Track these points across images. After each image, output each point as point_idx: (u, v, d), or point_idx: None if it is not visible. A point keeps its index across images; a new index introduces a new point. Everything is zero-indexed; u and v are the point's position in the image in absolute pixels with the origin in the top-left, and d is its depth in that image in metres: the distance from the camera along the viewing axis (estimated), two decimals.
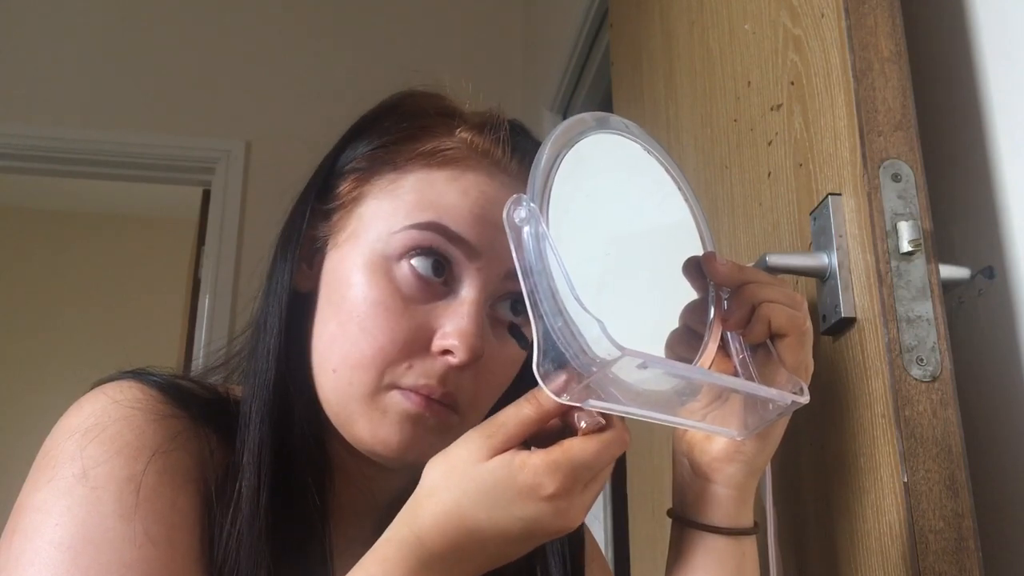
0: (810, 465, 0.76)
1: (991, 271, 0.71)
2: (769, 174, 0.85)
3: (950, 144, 0.77)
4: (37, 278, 4.26)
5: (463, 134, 0.62)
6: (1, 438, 3.69)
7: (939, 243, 0.69)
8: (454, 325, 0.57)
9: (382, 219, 0.60)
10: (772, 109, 0.85)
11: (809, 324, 0.60)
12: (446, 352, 0.57)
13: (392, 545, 0.48)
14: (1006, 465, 0.68)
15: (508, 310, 0.61)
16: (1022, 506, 0.67)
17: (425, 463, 0.56)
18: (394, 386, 0.57)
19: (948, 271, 0.69)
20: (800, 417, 0.77)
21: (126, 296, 4.24)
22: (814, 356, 0.75)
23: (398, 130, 0.63)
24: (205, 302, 2.44)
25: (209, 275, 2.46)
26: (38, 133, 2.52)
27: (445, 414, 0.58)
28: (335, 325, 0.59)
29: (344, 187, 0.63)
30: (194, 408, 0.59)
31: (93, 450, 0.53)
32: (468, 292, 0.58)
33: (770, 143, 0.85)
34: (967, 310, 0.73)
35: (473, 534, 0.48)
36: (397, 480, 0.65)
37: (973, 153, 0.75)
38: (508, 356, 0.61)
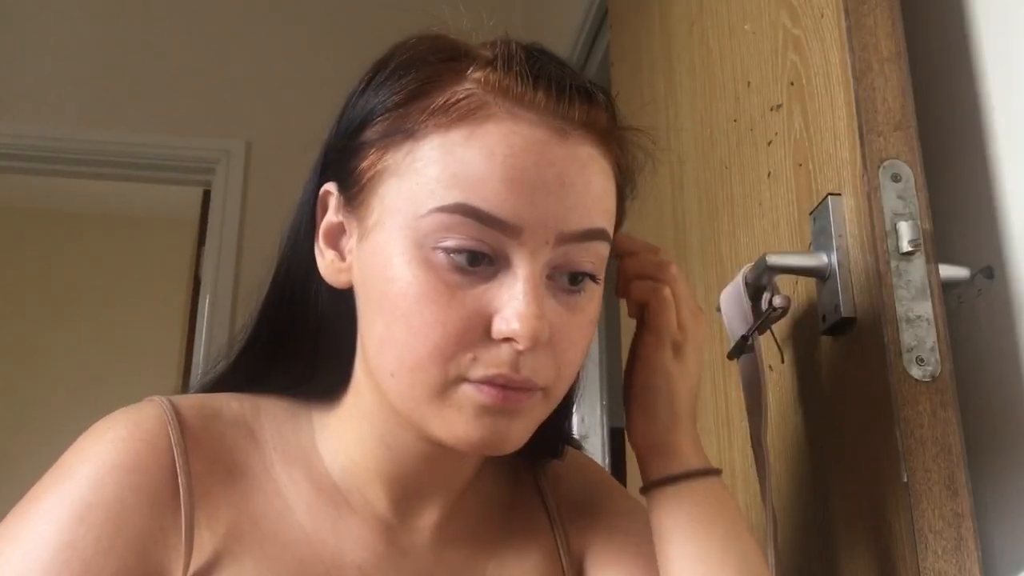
0: (809, 465, 0.76)
1: (991, 271, 0.71)
2: (769, 174, 0.85)
3: (950, 144, 0.77)
4: (37, 278, 4.26)
5: (475, 75, 0.55)
6: (1, 437, 3.70)
7: (939, 243, 0.69)
8: (512, 309, 0.52)
9: (406, 200, 0.53)
10: (772, 109, 0.85)
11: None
12: (508, 339, 0.52)
13: None
14: (1006, 465, 0.68)
15: (567, 281, 0.55)
16: (1022, 506, 0.67)
17: (516, 448, 0.55)
18: (462, 379, 0.53)
19: (948, 271, 0.69)
20: (800, 417, 0.77)
21: (126, 296, 4.24)
22: (814, 356, 0.75)
23: (402, 88, 0.56)
24: (205, 302, 2.43)
25: (209, 275, 2.46)
26: (38, 133, 2.52)
27: (523, 398, 0.54)
28: (382, 326, 0.54)
29: (362, 165, 0.56)
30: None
31: (54, 500, 0.53)
32: (519, 269, 0.52)
33: (770, 143, 0.85)
34: (967, 310, 0.73)
35: None
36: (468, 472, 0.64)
37: (973, 153, 0.75)
38: (582, 320, 0.56)
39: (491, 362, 0.52)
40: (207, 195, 2.62)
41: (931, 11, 0.81)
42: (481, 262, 0.52)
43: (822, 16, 0.75)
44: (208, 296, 2.43)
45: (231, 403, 0.62)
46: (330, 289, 0.60)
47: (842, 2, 0.71)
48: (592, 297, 0.57)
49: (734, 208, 0.94)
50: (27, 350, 4.10)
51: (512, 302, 0.52)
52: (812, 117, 0.77)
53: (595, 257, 0.56)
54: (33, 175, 2.80)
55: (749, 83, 0.91)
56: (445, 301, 0.52)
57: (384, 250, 0.54)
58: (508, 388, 0.53)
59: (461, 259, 0.52)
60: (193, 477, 0.56)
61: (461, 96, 0.54)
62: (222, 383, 0.65)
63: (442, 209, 0.52)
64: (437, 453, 0.59)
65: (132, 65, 2.63)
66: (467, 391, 0.53)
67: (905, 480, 0.61)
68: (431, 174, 0.53)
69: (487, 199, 0.51)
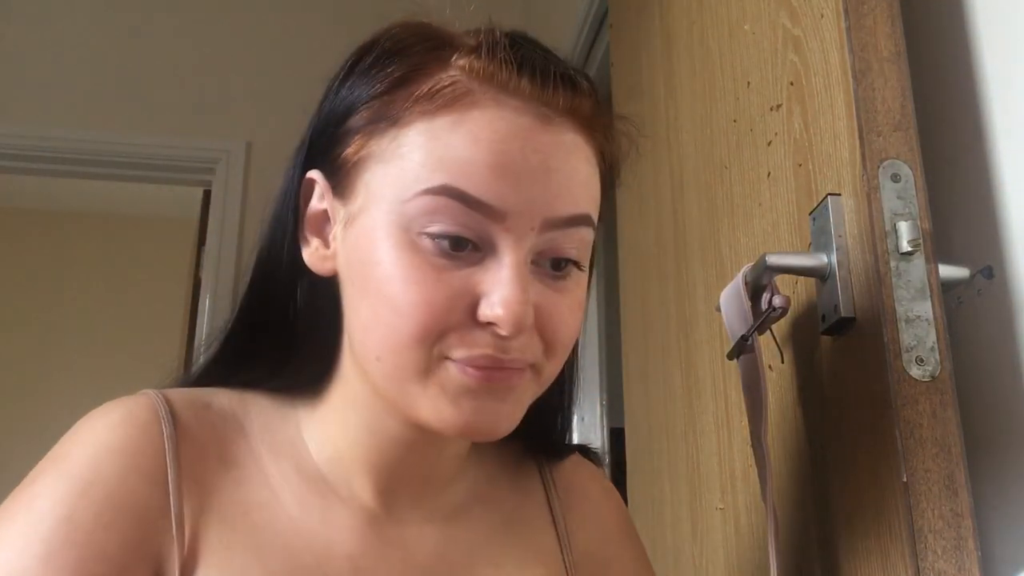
0: (810, 465, 0.76)
1: (990, 271, 0.71)
2: (769, 174, 0.85)
3: (950, 144, 0.77)
4: (37, 278, 4.26)
5: (460, 62, 0.55)
6: (1, 437, 3.70)
7: (938, 243, 0.69)
8: (497, 294, 0.52)
9: (390, 186, 0.53)
10: (772, 109, 0.85)
11: None
12: (492, 323, 0.52)
13: None
14: (1006, 465, 0.68)
15: (550, 267, 0.56)
16: (1022, 506, 0.67)
17: (507, 432, 0.55)
18: (445, 357, 0.53)
19: (947, 271, 0.69)
20: (800, 417, 0.77)
21: (126, 297, 4.24)
22: (814, 356, 0.75)
23: (386, 76, 0.56)
24: (205, 302, 2.44)
25: (209, 275, 2.46)
26: (38, 133, 2.52)
27: (512, 376, 0.54)
28: (368, 310, 0.54)
29: (346, 152, 0.56)
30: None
31: (51, 479, 0.54)
32: (504, 255, 0.53)
33: (770, 143, 0.85)
34: (966, 310, 0.73)
35: None
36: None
37: (973, 153, 0.75)
38: (570, 302, 0.56)
39: (475, 343, 0.52)
40: (207, 195, 2.63)
41: (931, 11, 0.81)
42: (466, 247, 0.53)
43: (822, 16, 0.75)
44: (208, 296, 2.43)
45: (220, 396, 0.63)
46: (313, 279, 0.60)
47: (842, 2, 0.71)
48: (578, 283, 0.57)
49: (734, 208, 0.94)
50: (27, 350, 4.10)
51: (497, 287, 0.52)
52: (812, 117, 0.77)
53: (579, 243, 0.56)
54: (33, 175, 2.80)
55: (749, 83, 0.91)
56: (431, 282, 0.52)
57: (370, 234, 0.54)
58: (494, 368, 0.53)
59: (446, 244, 0.52)
60: (183, 465, 0.57)
61: (446, 83, 0.54)
62: (207, 375, 0.65)
63: (427, 192, 0.52)
64: (421, 440, 0.60)
65: (132, 65, 2.63)
66: (451, 371, 0.53)
67: (905, 480, 0.61)
68: (416, 159, 0.53)
69: (472, 182, 0.52)
